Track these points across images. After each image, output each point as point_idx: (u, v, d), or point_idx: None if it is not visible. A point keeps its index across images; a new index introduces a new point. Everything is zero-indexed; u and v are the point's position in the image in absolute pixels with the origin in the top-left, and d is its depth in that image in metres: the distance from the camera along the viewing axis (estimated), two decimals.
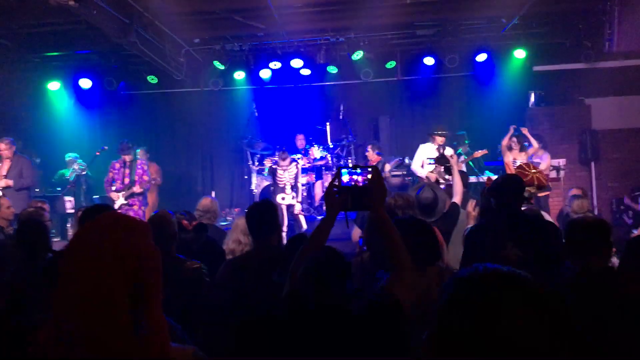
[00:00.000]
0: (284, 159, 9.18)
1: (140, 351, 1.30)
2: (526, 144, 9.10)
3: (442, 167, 6.45)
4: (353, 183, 2.30)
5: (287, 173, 9.18)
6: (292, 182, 9.17)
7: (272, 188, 9.44)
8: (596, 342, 2.28)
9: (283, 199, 9.05)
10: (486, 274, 1.19)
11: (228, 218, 10.18)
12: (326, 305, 1.99)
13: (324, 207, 8.84)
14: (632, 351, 2.33)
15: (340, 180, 2.32)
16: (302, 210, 9.39)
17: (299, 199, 9.21)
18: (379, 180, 2.28)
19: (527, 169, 7.35)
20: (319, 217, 9.69)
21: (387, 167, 9.67)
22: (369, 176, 2.29)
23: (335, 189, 2.33)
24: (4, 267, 3.34)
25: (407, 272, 2.14)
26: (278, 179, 9.19)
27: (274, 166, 9.36)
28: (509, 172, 8.59)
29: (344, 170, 2.33)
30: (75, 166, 9.45)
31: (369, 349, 1.92)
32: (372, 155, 9.86)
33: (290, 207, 9.10)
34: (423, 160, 8.43)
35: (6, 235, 5.60)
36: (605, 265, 2.69)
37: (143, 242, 1.38)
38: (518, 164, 8.54)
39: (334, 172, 9.98)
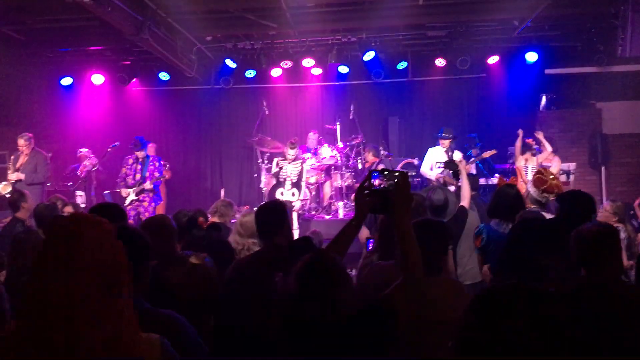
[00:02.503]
0: (292, 148, 9.04)
1: (111, 342, 1.40)
2: (537, 147, 9.08)
3: (451, 171, 6.46)
4: (381, 186, 2.33)
5: (291, 167, 9.10)
6: (295, 179, 9.11)
7: (273, 181, 9.28)
8: (601, 351, 2.29)
9: (282, 194, 8.93)
10: (509, 287, 1.24)
11: (237, 216, 10.19)
12: (315, 310, 1.93)
13: (333, 207, 8.71)
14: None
15: (370, 183, 2.34)
16: (302, 210, 9.27)
17: (300, 197, 9.08)
18: (404, 187, 2.27)
19: (546, 174, 7.27)
20: (327, 217, 9.69)
21: (380, 167, 9.67)
22: (396, 181, 2.29)
23: (366, 192, 2.35)
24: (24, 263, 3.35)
25: (415, 284, 2.09)
26: (280, 173, 9.11)
27: (279, 159, 9.27)
28: (520, 177, 8.60)
29: (373, 173, 2.36)
30: (87, 162, 9.54)
31: (350, 354, 1.88)
32: (369, 157, 9.93)
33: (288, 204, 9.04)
34: (432, 163, 8.43)
35: (25, 228, 5.59)
36: (617, 273, 2.63)
37: (111, 241, 1.47)
38: (530, 168, 8.52)
39: (342, 172, 10.04)
